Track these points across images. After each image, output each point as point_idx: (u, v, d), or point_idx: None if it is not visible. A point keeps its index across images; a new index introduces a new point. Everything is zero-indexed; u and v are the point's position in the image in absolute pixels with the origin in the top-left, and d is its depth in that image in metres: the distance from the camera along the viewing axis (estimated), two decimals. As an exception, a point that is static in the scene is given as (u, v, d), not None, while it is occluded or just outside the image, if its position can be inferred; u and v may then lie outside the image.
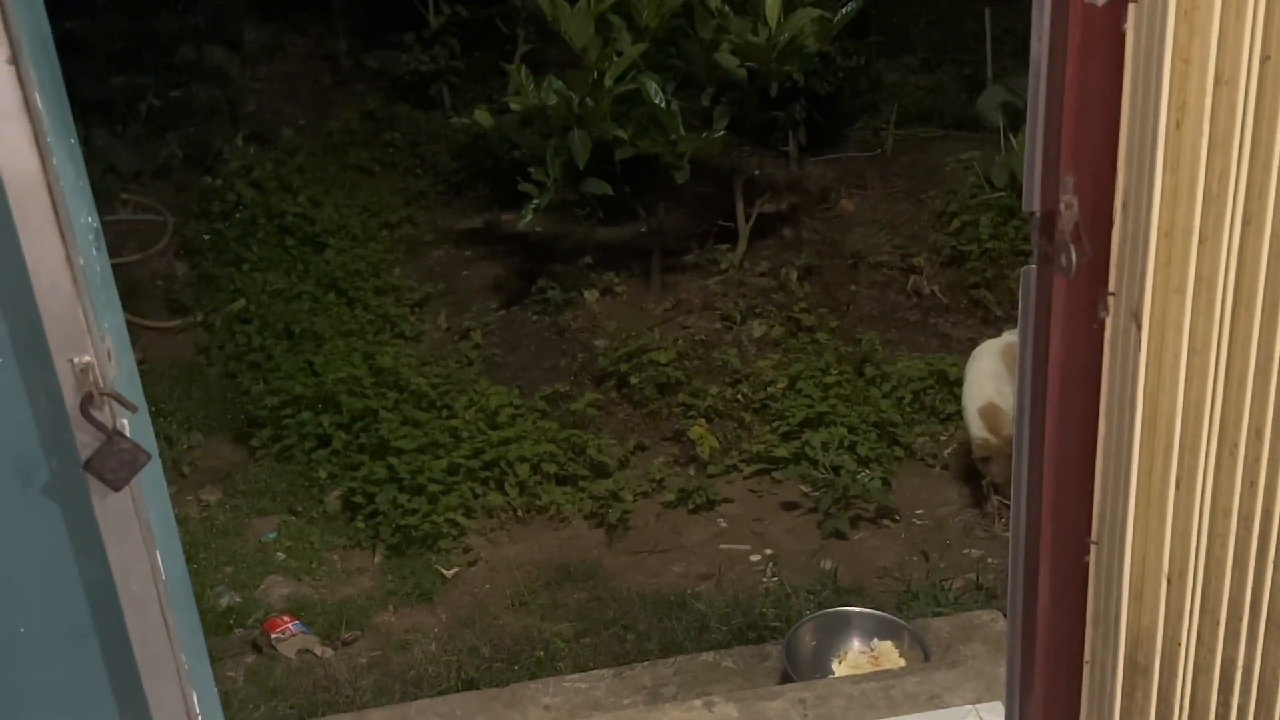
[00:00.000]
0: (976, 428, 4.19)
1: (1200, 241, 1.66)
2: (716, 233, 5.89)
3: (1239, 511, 1.81)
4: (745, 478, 4.52)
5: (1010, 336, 4.38)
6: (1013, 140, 5.88)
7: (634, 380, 4.89)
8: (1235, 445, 1.77)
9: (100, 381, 1.76)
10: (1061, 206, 1.76)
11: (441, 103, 7.11)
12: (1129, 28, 1.63)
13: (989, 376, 4.25)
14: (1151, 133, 1.62)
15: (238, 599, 4.00)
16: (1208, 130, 1.61)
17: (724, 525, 4.31)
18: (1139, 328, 1.71)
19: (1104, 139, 1.70)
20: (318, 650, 3.76)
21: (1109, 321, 1.78)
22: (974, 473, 4.38)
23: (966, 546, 4.13)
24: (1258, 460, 1.79)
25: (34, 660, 1.98)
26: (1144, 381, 1.74)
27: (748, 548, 4.19)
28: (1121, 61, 1.65)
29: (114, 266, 1.95)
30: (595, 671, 3.43)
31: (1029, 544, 2.07)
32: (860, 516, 4.25)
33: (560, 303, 5.51)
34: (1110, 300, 1.77)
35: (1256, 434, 1.78)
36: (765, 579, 4.01)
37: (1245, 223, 1.67)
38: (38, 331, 1.74)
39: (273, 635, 3.77)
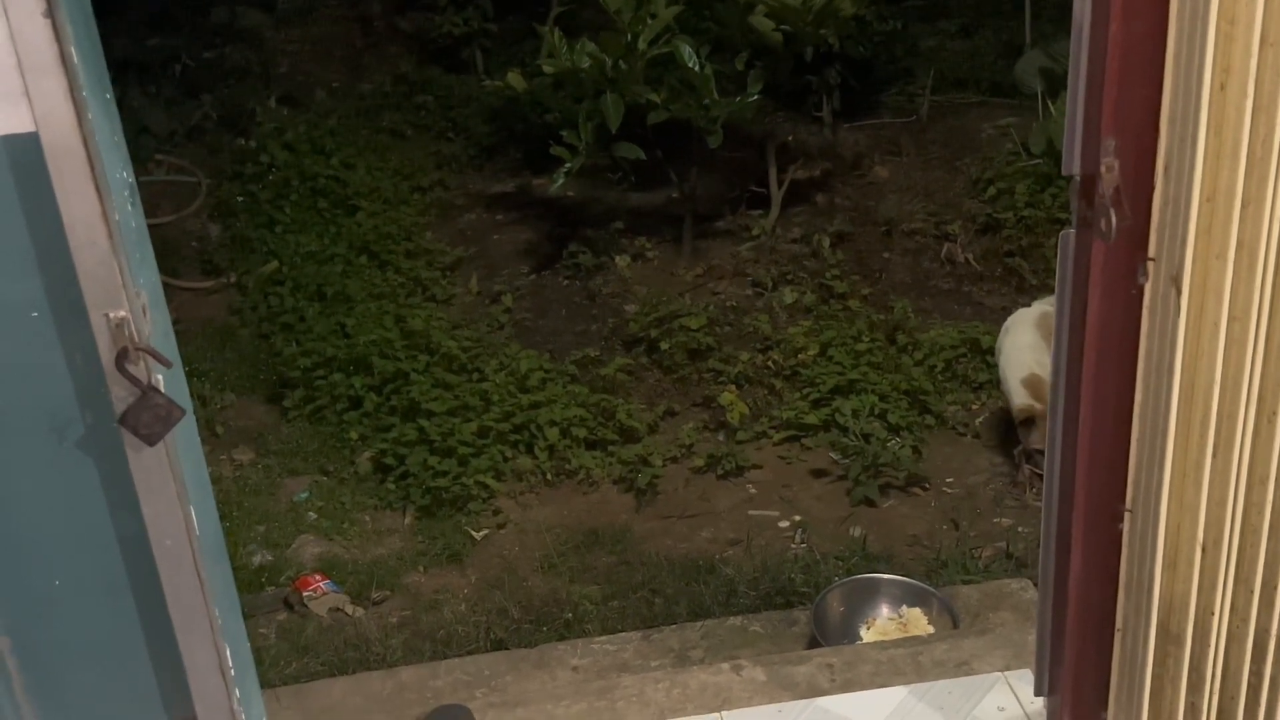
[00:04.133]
0: (1021, 397, 4.13)
1: (1243, 206, 1.64)
2: (749, 198, 5.85)
3: (1276, 480, 1.80)
4: (775, 444, 4.51)
5: (1044, 306, 4.34)
6: (1051, 107, 5.81)
7: (664, 346, 4.88)
8: (1274, 413, 1.75)
9: (135, 336, 1.77)
10: (1102, 169, 1.74)
11: (474, 66, 7.09)
12: (1175, -13, 1.60)
13: (1028, 349, 4.20)
14: (1195, 95, 1.59)
15: (270, 557, 4.03)
16: (1252, 93, 1.58)
17: (753, 491, 4.31)
18: (1179, 294, 1.69)
19: (1147, 101, 1.67)
20: (348, 609, 3.79)
21: (1148, 287, 1.77)
22: (1006, 441, 4.35)
23: (997, 515, 4.11)
24: (1297, 429, 1.77)
25: (69, 613, 2.00)
26: (1183, 348, 1.72)
27: (777, 514, 4.19)
28: (1166, 22, 1.62)
29: (149, 227, 1.95)
30: (623, 634, 3.44)
31: (1062, 511, 2.07)
32: (890, 484, 4.24)
33: (591, 267, 5.50)
34: (1150, 266, 1.75)
35: (1296, 402, 1.76)
36: (794, 545, 4.01)
37: (1290, 187, 1.64)
38: (73, 286, 1.75)
39: (304, 593, 3.81)
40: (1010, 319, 4.39)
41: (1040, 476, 3.88)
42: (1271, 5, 1.54)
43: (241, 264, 5.68)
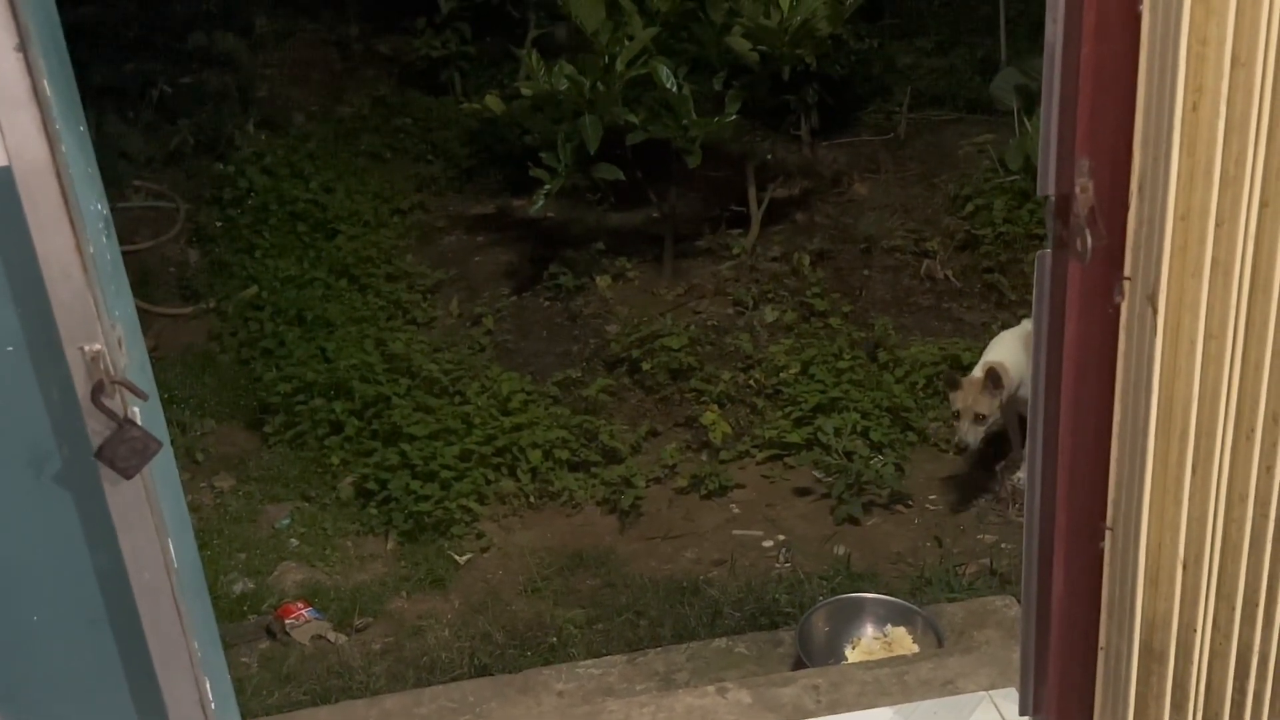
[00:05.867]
0: (979, 369, 4.08)
1: (1217, 225, 1.65)
2: (728, 218, 5.87)
3: (1255, 496, 1.80)
4: (758, 463, 4.51)
5: (1030, 323, 4.32)
6: (1027, 123, 5.85)
7: (646, 366, 4.88)
8: (1252, 430, 1.76)
9: (111, 370, 1.76)
10: (1076, 190, 1.75)
11: (453, 88, 7.10)
12: (1145, 8, 1.61)
13: (1008, 348, 4.17)
14: (1168, 115, 1.60)
15: (251, 585, 4.01)
16: (1224, 112, 1.59)
17: (736, 511, 4.31)
18: (1155, 312, 1.70)
19: (1120, 121, 1.68)
20: (331, 636, 3.77)
21: (1125, 306, 1.77)
22: (988, 457, 4.36)
23: (980, 532, 4.12)
24: (1274, 445, 1.78)
25: (47, 648, 1.98)
26: (1160, 366, 1.73)
27: (760, 533, 4.18)
28: (1137, 43, 1.63)
29: (127, 253, 1.95)
30: (608, 657, 3.43)
31: (1043, 530, 2.07)
32: (873, 502, 4.24)
33: (572, 288, 5.50)
34: (1126, 285, 1.76)
35: (1273, 419, 1.77)
36: (778, 565, 4.01)
37: (1263, 206, 1.66)
38: (48, 320, 1.74)
39: (286, 621, 3.78)
40: (999, 336, 4.38)
41: (1023, 492, 3.88)
42: (1242, 25, 1.55)
43: (221, 289, 5.66)
